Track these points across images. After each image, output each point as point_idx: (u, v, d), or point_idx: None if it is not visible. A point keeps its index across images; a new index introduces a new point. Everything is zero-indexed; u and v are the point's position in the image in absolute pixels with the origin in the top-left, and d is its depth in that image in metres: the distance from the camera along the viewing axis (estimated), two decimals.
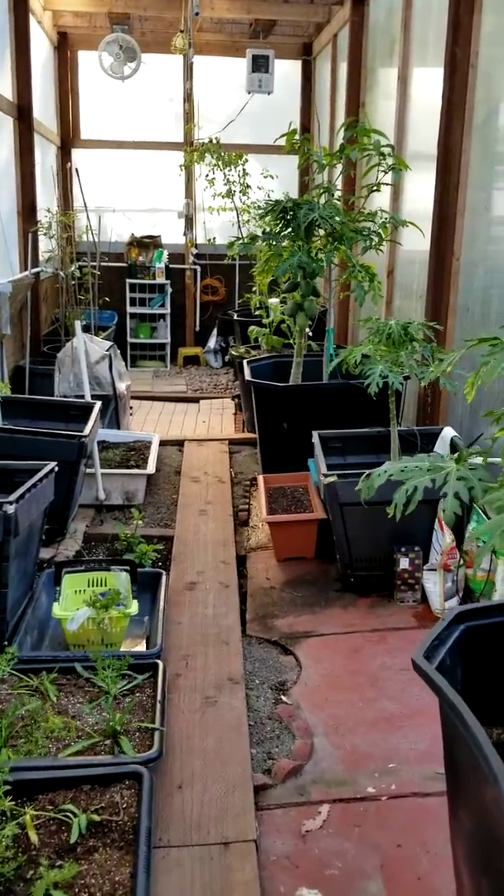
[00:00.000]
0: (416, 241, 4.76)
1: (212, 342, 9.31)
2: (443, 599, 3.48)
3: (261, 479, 4.54)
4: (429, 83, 5.04)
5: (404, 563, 3.58)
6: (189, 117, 8.80)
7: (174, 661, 3.07)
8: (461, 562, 3.51)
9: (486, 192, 3.97)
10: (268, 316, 6.69)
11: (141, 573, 3.52)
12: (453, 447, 3.88)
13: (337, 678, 3.06)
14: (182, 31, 7.84)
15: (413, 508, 2.20)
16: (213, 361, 9.29)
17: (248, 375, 4.75)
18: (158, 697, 2.64)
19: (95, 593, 3.14)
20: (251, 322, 6.96)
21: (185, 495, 4.87)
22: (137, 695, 2.73)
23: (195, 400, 7.69)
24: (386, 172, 4.49)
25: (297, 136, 4.69)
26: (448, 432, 4.00)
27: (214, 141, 8.32)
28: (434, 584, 3.50)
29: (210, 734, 2.65)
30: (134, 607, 3.07)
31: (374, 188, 4.52)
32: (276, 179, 8.34)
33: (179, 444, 5.96)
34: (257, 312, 6.73)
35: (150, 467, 4.81)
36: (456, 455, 2.11)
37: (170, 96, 8.99)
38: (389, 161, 4.36)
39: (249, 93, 8.35)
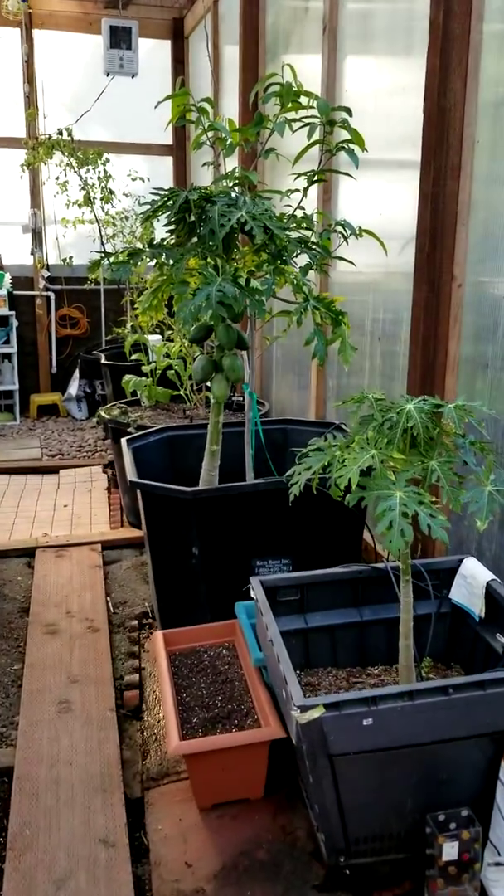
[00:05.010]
0: (366, 258, 3.21)
1: (73, 387, 7.42)
2: None
3: (159, 638, 2.78)
4: (376, 35, 3.52)
5: (450, 851, 1.93)
6: (31, 102, 6.93)
7: None
8: None
9: None
10: (149, 360, 4.96)
11: None
12: (493, 599, 2.30)
13: None
14: None
15: None
16: (76, 411, 7.41)
17: (131, 471, 2.98)
18: None
19: None
20: (125, 368, 5.21)
21: (34, 667, 3.03)
22: None
23: (54, 470, 5.79)
24: (333, 154, 2.90)
25: (191, 102, 3.01)
26: (474, 569, 2.41)
27: (66, 134, 6.50)
28: None
29: None
30: None
31: (316, 177, 2.92)
32: (146, 182, 6.60)
33: (29, 554, 4.08)
34: (134, 357, 4.98)
35: None
36: None
37: (4, 79, 7.08)
38: (324, 135, 2.77)
39: (108, 75, 6.62)
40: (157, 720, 2.78)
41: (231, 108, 5.52)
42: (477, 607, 2.36)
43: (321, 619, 2.47)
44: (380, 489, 1.80)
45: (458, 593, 2.46)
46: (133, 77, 6.60)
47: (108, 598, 3.63)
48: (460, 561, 2.48)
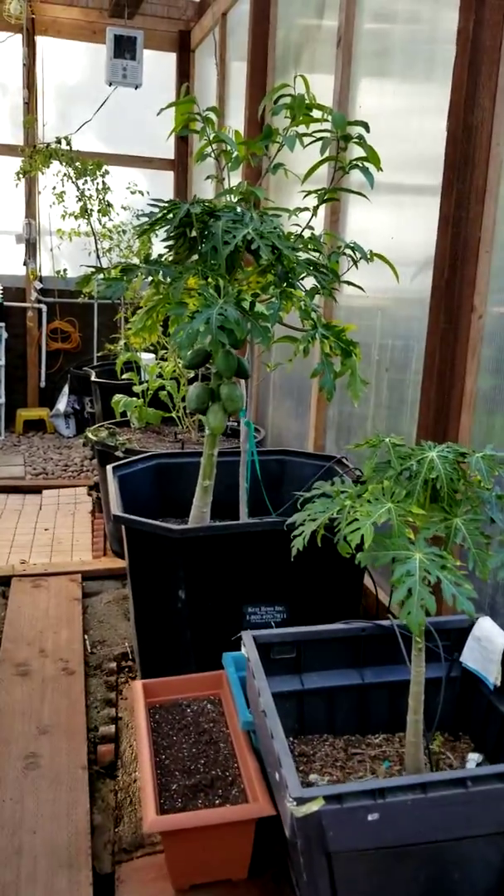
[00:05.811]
0: (374, 282, 3.01)
1: (62, 403, 7.19)
2: None
3: (138, 689, 2.53)
4: (393, 52, 3.35)
5: None
6: (30, 108, 6.75)
7: None
8: None
9: None
10: (140, 380, 4.74)
11: None
12: None
13: None
14: None
15: None
16: (64, 428, 7.17)
17: (115, 504, 2.75)
18: None
19: None
20: (116, 386, 4.99)
21: (2, 714, 2.77)
22: None
23: (36, 490, 5.55)
24: (346, 172, 2.70)
25: (196, 110, 2.81)
26: (490, 631, 2.18)
27: (64, 143, 6.32)
28: None
29: None
30: None
31: (327, 196, 2.72)
32: (146, 196, 6.41)
33: (4, 583, 3.83)
34: (125, 376, 4.76)
35: None
36: None
37: (3, 85, 6.91)
38: (338, 151, 2.58)
39: (111, 85, 6.45)
40: (132, 779, 2.53)
41: (237, 125, 5.35)
42: (492, 674, 2.13)
43: (319, 681, 2.24)
44: (396, 549, 1.58)
45: (470, 657, 2.23)
46: (136, 88, 6.44)
47: (86, 636, 3.38)
48: (474, 621, 2.25)
